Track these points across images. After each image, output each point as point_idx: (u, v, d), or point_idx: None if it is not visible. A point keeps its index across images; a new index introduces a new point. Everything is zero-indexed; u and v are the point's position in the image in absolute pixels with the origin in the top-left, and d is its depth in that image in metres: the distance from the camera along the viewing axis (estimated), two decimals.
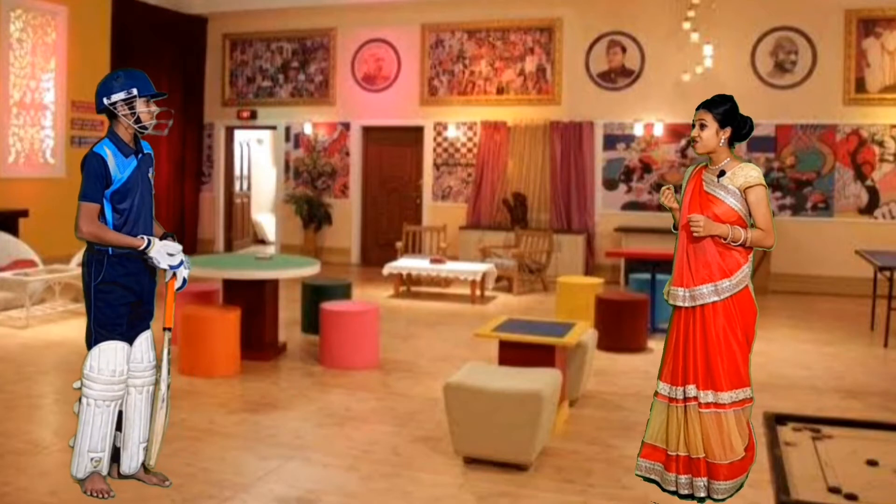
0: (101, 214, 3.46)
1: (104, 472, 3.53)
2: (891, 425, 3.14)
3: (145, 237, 3.50)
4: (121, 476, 3.61)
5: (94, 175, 3.41)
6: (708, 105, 3.39)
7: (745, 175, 3.33)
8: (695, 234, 3.31)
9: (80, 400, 3.48)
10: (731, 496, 3.34)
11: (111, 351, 3.46)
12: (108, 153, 3.44)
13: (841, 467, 2.55)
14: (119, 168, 3.45)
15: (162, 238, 3.56)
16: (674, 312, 3.45)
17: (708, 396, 3.32)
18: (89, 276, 3.51)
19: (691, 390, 3.36)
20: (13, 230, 9.54)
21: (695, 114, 3.42)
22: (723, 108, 3.36)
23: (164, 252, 3.51)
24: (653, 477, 3.48)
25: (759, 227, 3.32)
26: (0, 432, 4.73)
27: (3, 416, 5.04)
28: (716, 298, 3.32)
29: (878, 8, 10.52)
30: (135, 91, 3.49)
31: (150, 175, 3.62)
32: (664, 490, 3.45)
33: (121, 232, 3.47)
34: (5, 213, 9.74)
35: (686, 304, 3.37)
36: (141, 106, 3.51)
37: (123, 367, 3.48)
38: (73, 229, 3.42)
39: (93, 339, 3.49)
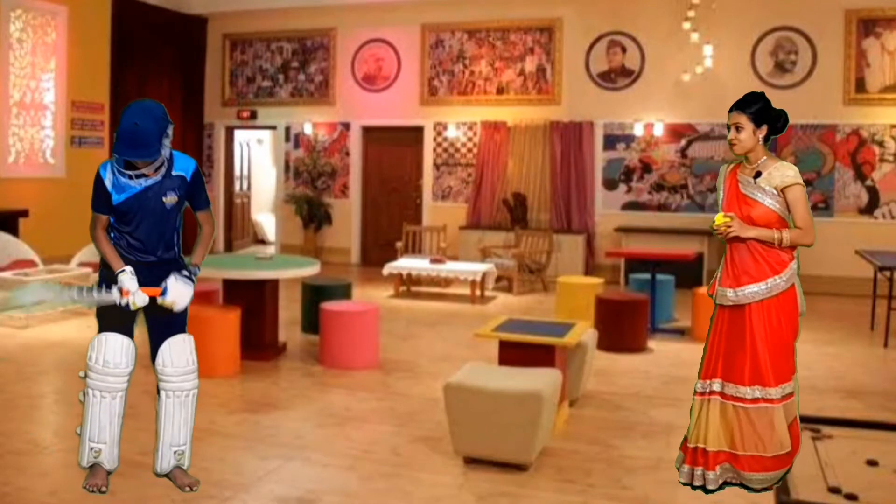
0: (111, 225, 3.53)
1: (107, 466, 3.54)
2: (891, 425, 3.15)
3: (127, 268, 3.44)
4: (156, 475, 3.66)
5: (95, 190, 3.48)
6: (741, 105, 3.35)
7: (781, 175, 3.31)
8: (729, 235, 3.30)
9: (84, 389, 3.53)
10: (769, 487, 3.28)
11: (108, 342, 3.49)
12: (108, 175, 3.45)
13: (841, 467, 2.55)
14: (115, 191, 3.44)
15: (179, 271, 3.51)
16: (716, 309, 3.42)
17: (756, 392, 3.28)
18: (99, 268, 3.63)
19: (728, 385, 3.34)
20: (13, 230, 9.53)
21: (728, 116, 3.38)
22: (756, 108, 3.33)
23: (127, 279, 3.40)
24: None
25: (798, 226, 3.29)
26: (0, 432, 4.73)
27: (3, 416, 5.04)
28: (764, 297, 3.29)
29: (878, 8, 10.51)
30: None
31: (164, 199, 3.48)
32: (706, 487, 3.40)
33: (120, 251, 3.51)
34: (5, 213, 9.73)
35: (732, 304, 3.35)
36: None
37: (120, 360, 3.49)
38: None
39: (97, 330, 3.55)
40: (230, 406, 5.44)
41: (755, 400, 3.28)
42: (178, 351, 3.61)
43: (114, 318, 3.51)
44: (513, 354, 4.93)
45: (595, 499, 3.96)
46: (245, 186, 14.99)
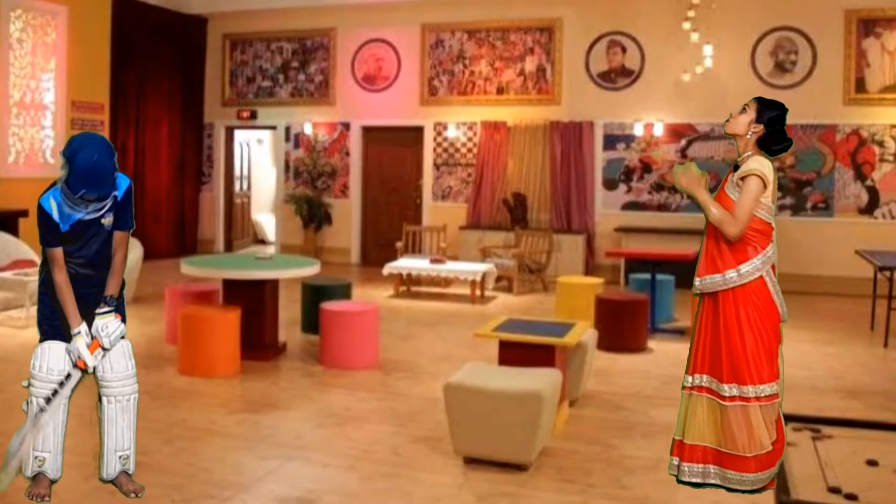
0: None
1: (51, 475, 3.53)
2: (891, 425, 3.15)
3: (82, 326, 3.43)
4: (102, 481, 3.65)
5: (43, 225, 3.39)
6: (761, 98, 3.42)
7: (747, 165, 3.33)
8: (679, 183, 3.43)
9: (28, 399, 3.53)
10: (751, 490, 3.28)
11: (49, 350, 3.50)
12: (53, 205, 3.36)
13: (841, 467, 2.55)
14: (61, 220, 3.38)
15: (103, 309, 3.47)
16: (701, 303, 3.47)
17: (733, 390, 3.29)
18: (39, 276, 3.60)
19: (714, 382, 3.35)
20: (13, 230, 9.53)
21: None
22: (769, 111, 3.35)
23: (81, 346, 3.42)
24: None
25: (733, 211, 3.30)
26: (0, 432, 4.72)
27: (3, 416, 5.03)
28: (723, 288, 3.33)
29: (878, 8, 10.51)
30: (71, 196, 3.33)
31: (103, 221, 3.43)
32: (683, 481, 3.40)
33: (72, 278, 3.45)
34: (5, 213, 9.73)
35: (698, 292, 3.44)
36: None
37: (62, 367, 3.49)
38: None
39: (39, 338, 3.56)
40: (230, 406, 5.44)
41: (732, 398, 3.30)
42: (118, 356, 3.57)
43: (56, 327, 3.50)
44: (513, 354, 4.93)
45: (595, 499, 3.96)
46: (245, 186, 14.98)
